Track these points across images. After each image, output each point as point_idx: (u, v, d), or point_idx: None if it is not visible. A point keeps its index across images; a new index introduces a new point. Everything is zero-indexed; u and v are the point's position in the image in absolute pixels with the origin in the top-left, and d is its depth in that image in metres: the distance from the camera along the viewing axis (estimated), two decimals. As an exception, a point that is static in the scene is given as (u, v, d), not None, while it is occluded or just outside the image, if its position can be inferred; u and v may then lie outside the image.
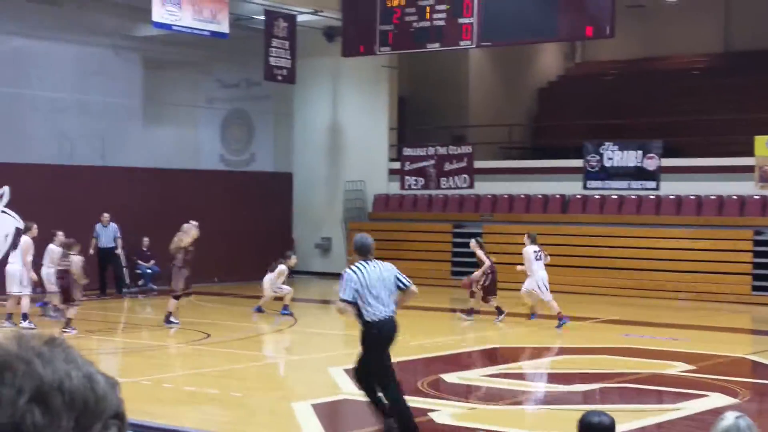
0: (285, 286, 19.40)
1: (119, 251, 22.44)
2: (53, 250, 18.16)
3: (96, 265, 21.67)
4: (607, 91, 30.26)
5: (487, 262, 18.85)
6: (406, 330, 17.67)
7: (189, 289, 17.87)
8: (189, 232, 17.62)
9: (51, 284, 18.01)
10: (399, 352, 15.66)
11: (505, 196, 25.93)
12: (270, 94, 27.91)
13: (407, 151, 26.95)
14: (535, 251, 18.48)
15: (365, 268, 9.25)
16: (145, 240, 23.62)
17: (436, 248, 26.22)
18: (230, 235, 25.16)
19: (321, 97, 28.55)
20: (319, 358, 15.49)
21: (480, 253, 18.98)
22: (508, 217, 25.57)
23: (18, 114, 22.92)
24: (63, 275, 16.84)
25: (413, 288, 9.49)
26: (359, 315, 9.30)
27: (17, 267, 17.27)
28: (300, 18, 25.31)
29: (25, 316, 17.10)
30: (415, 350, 15.88)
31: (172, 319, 17.61)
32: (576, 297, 23.02)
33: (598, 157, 24.84)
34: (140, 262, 23.58)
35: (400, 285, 9.42)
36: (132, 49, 25.38)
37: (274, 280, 19.29)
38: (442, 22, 22.71)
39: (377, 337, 9.28)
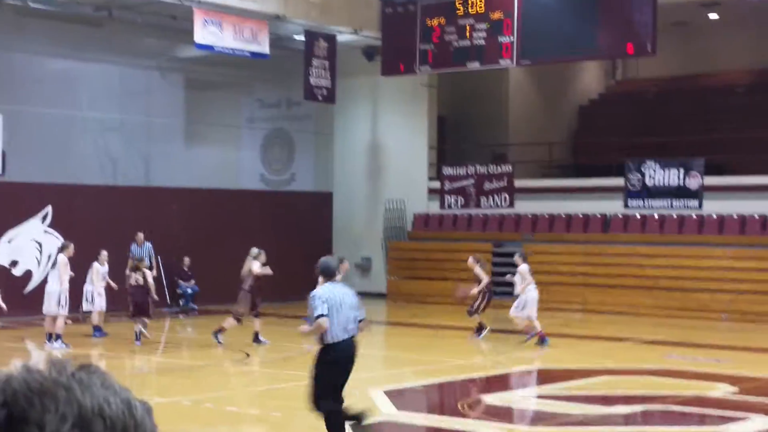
0: None
1: (153, 272, 22.29)
2: (97, 268, 18.35)
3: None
4: (649, 108, 30.07)
5: (486, 280, 18.74)
6: (446, 350, 17.64)
7: (256, 311, 17.86)
8: (259, 258, 17.67)
9: (88, 302, 18.21)
10: (438, 373, 15.63)
11: (546, 215, 25.81)
12: (310, 113, 28.04)
13: (447, 170, 26.94)
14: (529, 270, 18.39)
15: (332, 289, 9.39)
16: (186, 259, 23.76)
17: (477, 267, 26.10)
18: (270, 254, 25.12)
19: (361, 116, 28.63)
20: (358, 379, 15.47)
21: (478, 270, 18.87)
22: (549, 236, 25.45)
23: (65, 135, 23.21)
24: (134, 290, 17.09)
25: (363, 323, 9.57)
26: (321, 335, 9.38)
27: (55, 287, 17.40)
28: (340, 38, 25.41)
29: (58, 337, 17.22)
30: (454, 370, 15.83)
31: (219, 337, 17.63)
32: (617, 317, 22.86)
33: (639, 176, 24.68)
34: (181, 281, 23.70)
35: (358, 313, 9.52)
36: (174, 70, 25.62)
37: None
38: (482, 41, 22.70)
39: (334, 358, 9.37)
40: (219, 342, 17.56)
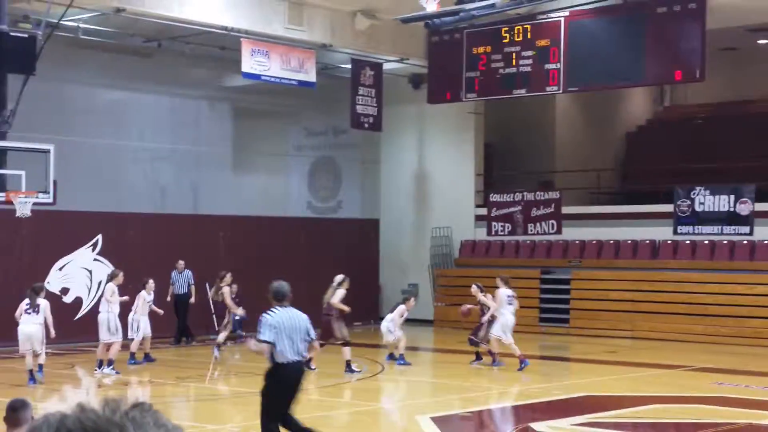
0: (399, 331, 19.03)
1: (192, 300, 22.41)
2: (144, 297, 18.53)
3: (172, 312, 21.89)
4: (698, 134, 29.83)
5: (494, 306, 18.64)
6: (493, 377, 17.54)
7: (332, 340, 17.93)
8: (343, 285, 17.86)
9: (133, 331, 18.39)
10: (485, 400, 15.55)
11: (594, 242, 25.64)
12: (357, 141, 28.16)
13: (494, 197, 26.88)
14: (508, 295, 18.56)
15: (281, 313, 9.82)
16: (234, 287, 23.85)
17: (524, 295, 25.90)
18: (317, 281, 25.25)
19: (407, 144, 28.70)
20: (406, 406, 15.45)
21: (482, 297, 18.76)
22: (597, 263, 25.28)
23: (116, 164, 23.50)
24: (218, 305, 17.83)
25: (316, 343, 10.14)
26: (271, 356, 9.76)
27: (104, 315, 17.67)
28: (386, 66, 25.54)
29: (110, 362, 17.42)
30: (501, 398, 15.74)
31: (354, 367, 17.68)
32: (667, 344, 22.62)
33: (688, 202, 24.47)
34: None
35: (308, 337, 9.92)
36: (222, 100, 25.89)
37: (396, 319, 18.96)
38: (528, 68, 22.69)
39: (281, 378, 9.75)
40: (357, 371, 17.67)
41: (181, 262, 22.25)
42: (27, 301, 16.02)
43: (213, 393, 16.69)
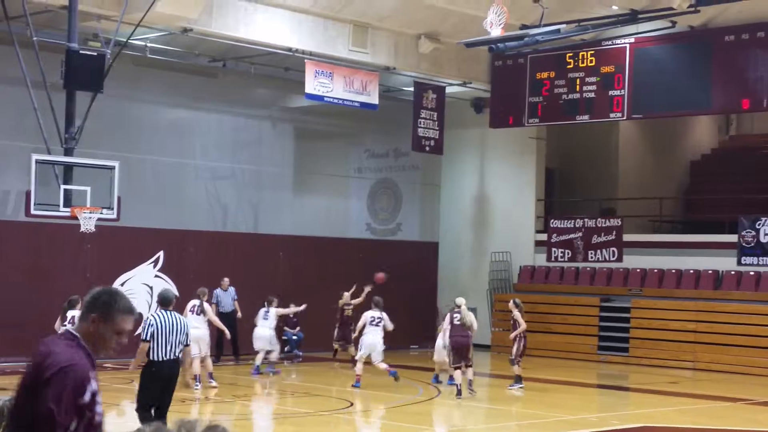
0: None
1: (239, 315, 22.54)
2: (207, 309, 18.79)
3: (215, 330, 22.00)
4: (763, 164, 29.34)
5: (524, 326, 18.47)
6: (552, 404, 17.35)
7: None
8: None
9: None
10: (544, 427, 15.36)
11: (655, 271, 25.32)
12: (418, 164, 28.16)
13: (554, 223, 26.69)
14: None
15: (163, 316, 11.19)
16: (292, 306, 23.93)
17: (583, 322, 25.76)
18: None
19: (468, 167, 28.63)
20: (457, 431, 15.32)
21: (517, 314, 18.60)
22: (658, 292, 24.95)
23: (178, 182, 23.76)
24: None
25: (188, 348, 11.45)
26: (148, 353, 11.09)
27: (203, 331, 17.94)
28: (449, 89, 25.54)
29: (196, 377, 17.75)
30: (560, 425, 15.56)
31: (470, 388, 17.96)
32: (728, 376, 22.23)
33: (753, 233, 24.06)
34: (286, 328, 23.87)
35: (186, 341, 11.20)
36: (285, 120, 26.07)
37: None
38: (592, 94, 22.57)
39: (153, 374, 11.00)
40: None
41: (226, 280, 22.30)
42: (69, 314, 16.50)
43: (269, 413, 16.71)
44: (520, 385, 18.70)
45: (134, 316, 4.49)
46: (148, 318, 11.28)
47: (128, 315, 4.45)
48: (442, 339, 18.52)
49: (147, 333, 11.14)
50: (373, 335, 18.71)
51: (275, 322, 20.45)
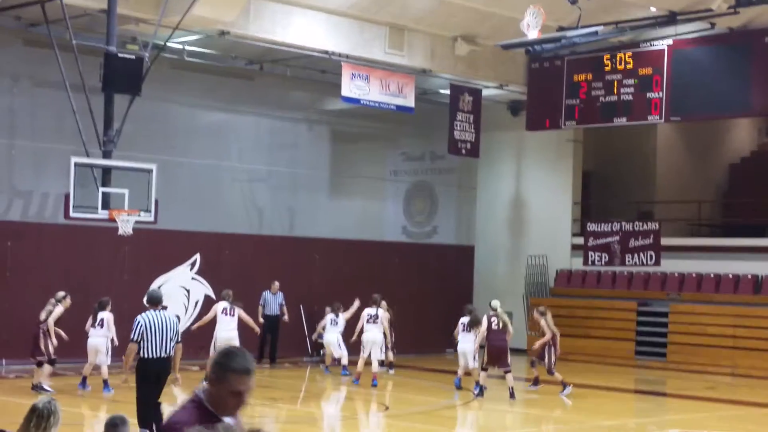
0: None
1: (285, 318, 22.71)
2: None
3: (261, 332, 22.14)
4: (804, 167, 29.05)
5: (549, 334, 18.34)
6: (589, 410, 17.22)
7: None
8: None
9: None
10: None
11: (694, 275, 25.09)
12: (454, 167, 28.08)
13: (591, 227, 26.49)
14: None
15: (151, 315, 11.48)
16: (327, 310, 23.93)
17: (620, 326, 25.56)
18: (410, 306, 25.23)
19: (504, 170, 28.52)
20: (498, 436, 15.24)
21: (543, 323, 18.49)
22: (697, 296, 24.71)
23: (215, 185, 23.84)
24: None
25: (179, 345, 11.57)
26: (138, 352, 11.44)
27: (233, 333, 18.53)
28: (485, 92, 25.44)
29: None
30: (597, 431, 15.45)
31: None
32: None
33: (793, 237, 23.78)
34: (322, 331, 23.87)
35: (177, 338, 11.47)
36: (321, 123, 26.09)
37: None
38: (629, 97, 22.40)
39: (145, 372, 11.36)
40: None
41: (276, 283, 22.47)
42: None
43: (303, 417, 16.71)
44: (569, 389, 18.54)
45: (251, 376, 4.30)
46: (137, 319, 11.59)
47: (243, 375, 4.27)
48: (470, 343, 18.47)
49: (136, 333, 11.49)
50: (372, 332, 18.96)
51: (343, 328, 20.98)
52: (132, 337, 11.54)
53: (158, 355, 11.33)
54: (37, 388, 16.39)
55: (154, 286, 21.96)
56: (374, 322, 19.18)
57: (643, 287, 25.81)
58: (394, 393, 18.63)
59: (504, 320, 17.94)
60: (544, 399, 18.83)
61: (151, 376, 11.37)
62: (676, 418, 17.34)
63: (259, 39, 20.71)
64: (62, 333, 16.88)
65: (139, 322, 11.52)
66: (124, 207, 17.84)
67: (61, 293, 17.22)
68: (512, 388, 17.87)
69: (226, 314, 18.68)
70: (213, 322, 18.83)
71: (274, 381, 20.15)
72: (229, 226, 23.64)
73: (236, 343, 17.98)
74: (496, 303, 18.38)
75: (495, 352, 17.73)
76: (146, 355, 11.41)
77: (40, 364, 16.68)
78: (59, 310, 16.90)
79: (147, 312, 11.69)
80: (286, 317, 22.56)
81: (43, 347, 16.56)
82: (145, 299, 11.84)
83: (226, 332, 18.52)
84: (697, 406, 18.41)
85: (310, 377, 21.63)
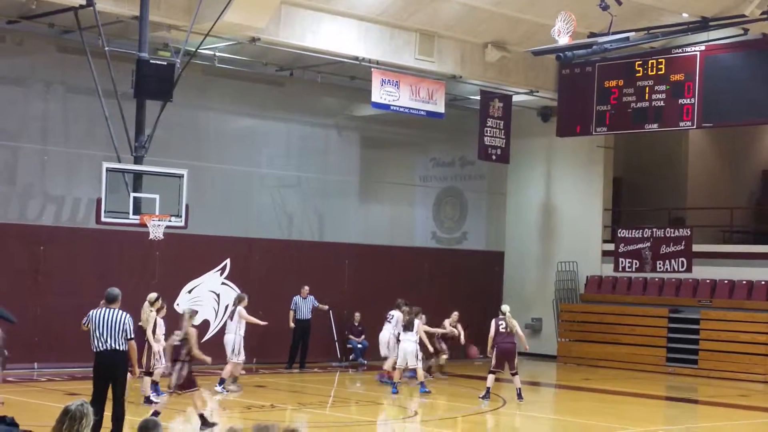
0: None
1: (325, 307, 22.86)
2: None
3: (291, 337, 22.24)
4: (838, 174, 28.79)
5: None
6: (619, 416, 17.11)
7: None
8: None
9: None
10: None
11: (726, 282, 24.91)
12: (484, 173, 28.05)
13: (622, 233, 26.38)
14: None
15: (101, 311, 11.81)
16: (357, 315, 23.99)
17: (651, 333, 25.42)
18: (440, 312, 25.20)
19: (535, 176, 28.45)
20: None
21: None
22: (729, 303, 24.53)
23: (245, 190, 23.94)
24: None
25: (132, 342, 11.78)
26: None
27: (230, 336, 18.49)
28: (515, 98, 25.41)
29: (221, 381, 18.15)
30: (627, 439, 15.36)
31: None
32: (802, 391, 21.78)
33: (827, 244, 23.56)
34: (351, 336, 23.92)
35: (126, 334, 11.72)
36: (351, 129, 26.14)
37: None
38: (661, 103, 22.30)
39: (96, 364, 11.79)
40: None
41: (306, 288, 22.54)
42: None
43: (333, 420, 16.73)
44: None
45: None
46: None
47: None
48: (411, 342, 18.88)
49: (83, 321, 12.54)
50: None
51: (417, 336, 19.51)
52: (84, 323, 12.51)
53: (104, 348, 11.66)
54: (147, 401, 15.97)
55: (185, 290, 22.14)
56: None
57: (675, 294, 25.65)
58: (424, 398, 18.61)
59: (511, 324, 18.21)
60: (573, 405, 18.75)
61: (100, 369, 11.76)
62: (707, 425, 17.23)
63: (289, 45, 20.79)
64: (162, 342, 16.13)
65: (90, 317, 12.00)
66: (155, 212, 17.93)
67: (153, 295, 16.63)
68: (520, 389, 18.04)
69: (230, 318, 18.91)
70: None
71: (305, 386, 20.19)
72: (259, 232, 23.72)
73: (229, 345, 18.31)
74: (505, 307, 18.74)
75: (503, 355, 18.08)
76: (94, 349, 11.81)
77: (149, 374, 16.40)
78: (153, 316, 16.39)
79: (98, 309, 11.92)
80: (326, 307, 22.75)
81: (146, 358, 16.26)
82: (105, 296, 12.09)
83: (226, 334, 18.79)
84: (728, 413, 18.27)
85: (339, 382, 21.65)
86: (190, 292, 22.27)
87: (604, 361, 25.40)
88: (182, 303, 21.83)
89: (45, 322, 20.12)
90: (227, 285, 22.69)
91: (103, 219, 17.83)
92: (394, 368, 19.49)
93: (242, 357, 18.46)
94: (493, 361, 18.20)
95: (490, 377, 18.15)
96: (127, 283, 21.04)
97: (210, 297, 22.56)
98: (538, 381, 22.90)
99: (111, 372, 11.72)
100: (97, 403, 11.33)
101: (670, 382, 23.36)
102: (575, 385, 21.98)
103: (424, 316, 20.07)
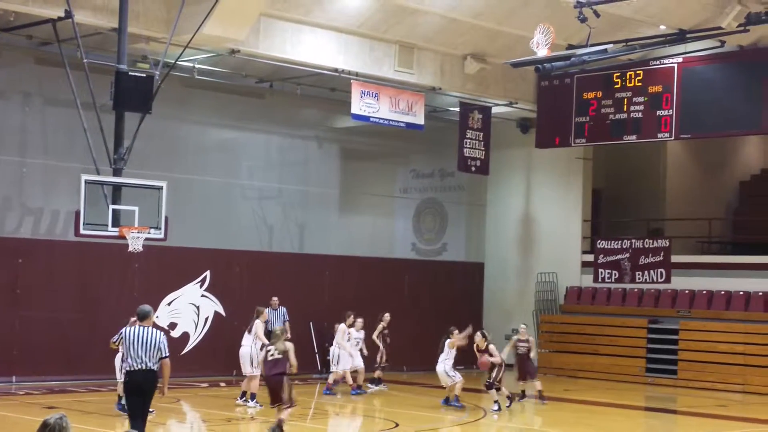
0: (457, 374, 19.08)
1: (288, 336, 22.61)
2: (343, 329, 20.26)
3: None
4: (815, 184, 29.00)
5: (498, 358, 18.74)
6: (599, 427, 17.15)
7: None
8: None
9: (334, 365, 19.59)
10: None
11: (704, 292, 25.03)
12: (463, 184, 28.12)
13: (601, 244, 26.47)
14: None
15: (135, 329, 11.45)
16: (337, 326, 23.91)
17: (630, 344, 25.50)
18: (420, 323, 25.24)
19: (514, 188, 28.54)
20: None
21: (491, 346, 18.77)
22: (707, 313, 24.66)
23: (225, 202, 23.89)
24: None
25: (166, 360, 11.44)
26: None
27: (246, 349, 18.26)
28: (495, 110, 25.50)
29: (253, 396, 17.97)
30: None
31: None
32: (780, 401, 21.88)
33: (804, 254, 23.72)
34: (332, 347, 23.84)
35: (161, 353, 11.42)
36: (331, 140, 26.16)
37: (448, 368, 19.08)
38: (639, 114, 22.42)
39: (127, 383, 11.62)
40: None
41: (275, 299, 22.30)
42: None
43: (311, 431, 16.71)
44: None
45: None
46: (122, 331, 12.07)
47: None
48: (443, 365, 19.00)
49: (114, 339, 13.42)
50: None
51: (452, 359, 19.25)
52: (115, 340, 12.99)
53: (138, 368, 11.43)
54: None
55: (164, 302, 22.05)
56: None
57: (654, 304, 25.77)
58: (404, 410, 18.59)
59: (531, 343, 19.77)
60: (555, 415, 18.79)
61: (132, 389, 11.62)
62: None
63: (269, 57, 20.80)
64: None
65: (119, 333, 12.33)
66: (134, 224, 17.89)
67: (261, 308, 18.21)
68: (541, 392, 19.29)
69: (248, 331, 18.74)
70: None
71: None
72: (239, 244, 23.68)
73: (245, 359, 18.16)
74: (523, 328, 20.21)
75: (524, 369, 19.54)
76: (126, 368, 11.68)
77: None
78: (258, 324, 17.82)
79: (131, 327, 11.69)
80: (288, 334, 22.44)
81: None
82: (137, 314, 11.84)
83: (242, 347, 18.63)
84: (707, 423, 18.33)
85: (319, 393, 21.60)
86: (169, 304, 22.20)
87: (584, 372, 25.46)
88: (162, 315, 21.75)
89: (23, 335, 20.01)
90: (207, 297, 22.63)
91: (81, 231, 17.77)
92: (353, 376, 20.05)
93: (258, 370, 18.26)
94: (517, 374, 19.49)
95: (493, 391, 18.31)
96: (107, 295, 21.02)
97: (190, 309, 22.49)
98: (522, 392, 22.87)
99: (142, 390, 11.58)
100: (135, 419, 11.43)
101: (649, 393, 23.43)
102: (555, 396, 22.00)
103: (360, 320, 20.67)
